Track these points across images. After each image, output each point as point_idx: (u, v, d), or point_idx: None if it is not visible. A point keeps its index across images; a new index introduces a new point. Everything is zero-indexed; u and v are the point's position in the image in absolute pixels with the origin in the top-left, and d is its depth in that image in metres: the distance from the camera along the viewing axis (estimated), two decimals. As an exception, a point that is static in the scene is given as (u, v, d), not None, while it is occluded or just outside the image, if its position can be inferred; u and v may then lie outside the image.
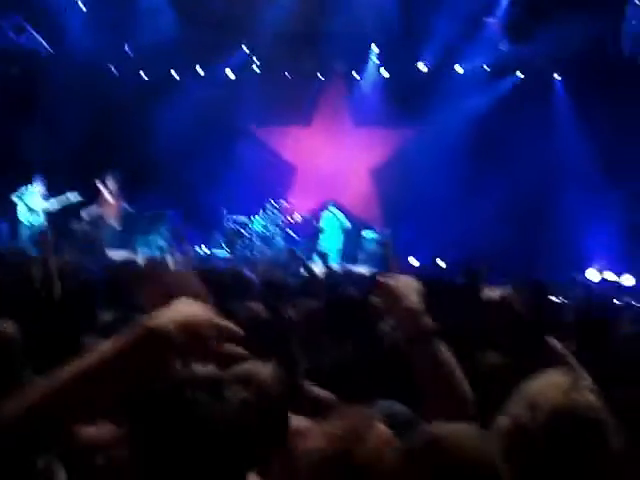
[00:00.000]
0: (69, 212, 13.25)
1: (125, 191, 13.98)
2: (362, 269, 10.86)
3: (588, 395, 1.70)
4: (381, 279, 2.17)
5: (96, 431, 2.15)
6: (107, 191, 13.71)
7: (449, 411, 1.81)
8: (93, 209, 13.43)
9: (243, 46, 15.70)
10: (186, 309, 1.34)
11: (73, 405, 1.28)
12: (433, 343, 2.00)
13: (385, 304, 2.15)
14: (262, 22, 14.39)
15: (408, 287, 2.13)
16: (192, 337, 1.30)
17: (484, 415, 1.86)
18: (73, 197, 13.10)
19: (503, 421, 1.72)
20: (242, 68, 16.01)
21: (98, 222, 13.31)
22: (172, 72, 16.15)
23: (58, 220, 12.96)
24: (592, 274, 12.75)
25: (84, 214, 13.22)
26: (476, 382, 2.06)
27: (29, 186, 13.19)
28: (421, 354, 2.00)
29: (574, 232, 12.88)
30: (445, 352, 2.00)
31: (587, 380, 1.76)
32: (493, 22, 14.31)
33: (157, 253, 13.01)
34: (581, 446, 1.65)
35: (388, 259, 7.11)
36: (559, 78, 14.70)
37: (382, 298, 2.16)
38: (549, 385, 1.72)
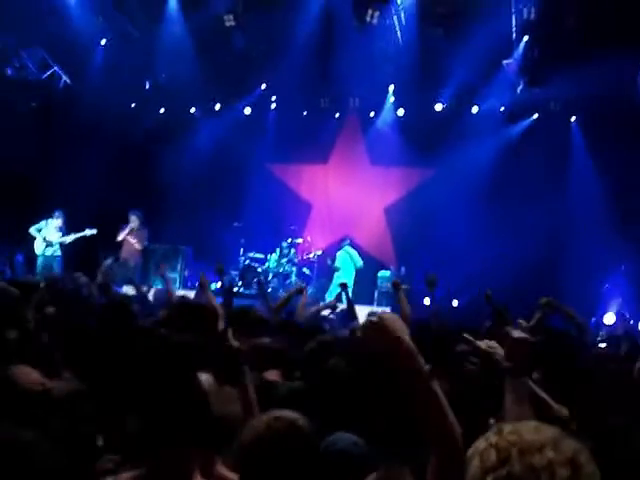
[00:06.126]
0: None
1: (147, 228, 14.04)
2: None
3: None
4: (373, 318, 2.17)
5: None
6: (129, 229, 13.78)
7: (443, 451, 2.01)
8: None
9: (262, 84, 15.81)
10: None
11: None
12: (432, 383, 2.09)
13: (378, 343, 2.14)
14: (280, 60, 14.55)
15: (401, 327, 2.14)
16: None
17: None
18: (89, 232, 13.24)
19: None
20: (259, 105, 16.13)
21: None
22: (190, 109, 16.29)
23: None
24: (609, 318, 12.64)
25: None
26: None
27: (48, 220, 13.46)
28: (421, 393, 2.07)
29: (589, 276, 12.79)
30: (440, 393, 2.09)
31: None
32: (510, 64, 14.38)
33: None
34: None
35: (400, 300, 7.11)
36: (575, 121, 14.69)
37: (374, 338, 2.15)
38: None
